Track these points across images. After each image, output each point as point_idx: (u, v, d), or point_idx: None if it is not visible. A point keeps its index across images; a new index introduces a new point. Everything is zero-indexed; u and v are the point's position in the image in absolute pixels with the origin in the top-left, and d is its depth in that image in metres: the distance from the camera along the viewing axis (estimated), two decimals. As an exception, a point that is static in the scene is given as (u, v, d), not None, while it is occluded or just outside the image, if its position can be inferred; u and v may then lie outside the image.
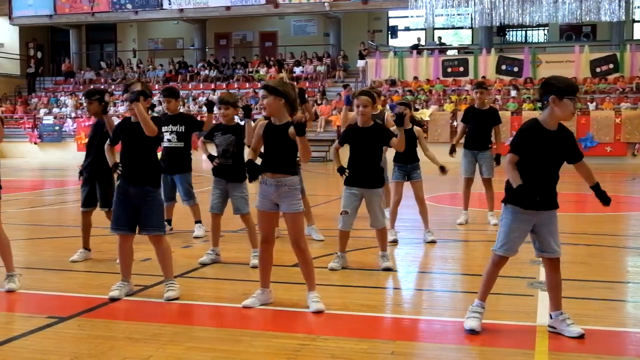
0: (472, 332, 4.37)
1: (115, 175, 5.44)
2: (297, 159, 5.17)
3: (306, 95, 8.05)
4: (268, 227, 5.10)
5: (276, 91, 4.89)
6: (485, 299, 4.52)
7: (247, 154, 5.21)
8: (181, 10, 31.02)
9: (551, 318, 4.45)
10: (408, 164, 7.65)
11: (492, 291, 4.82)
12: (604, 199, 4.44)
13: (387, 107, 19.43)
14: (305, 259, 5.03)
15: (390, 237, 7.54)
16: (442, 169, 7.56)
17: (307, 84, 28.68)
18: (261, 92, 4.98)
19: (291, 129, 4.85)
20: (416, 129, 7.67)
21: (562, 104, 4.27)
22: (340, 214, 6.30)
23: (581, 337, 4.28)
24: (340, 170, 6.21)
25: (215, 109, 7.37)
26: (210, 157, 6.68)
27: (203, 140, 7.00)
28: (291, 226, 5.00)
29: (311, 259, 5.09)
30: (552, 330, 4.42)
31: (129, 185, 5.30)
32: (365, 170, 6.18)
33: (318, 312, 4.83)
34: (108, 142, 5.58)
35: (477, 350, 4.18)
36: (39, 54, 35.55)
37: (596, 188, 4.48)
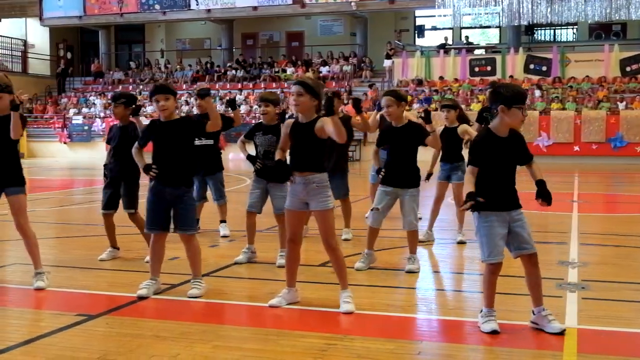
0: (494, 332, 4.35)
1: (149, 177, 5.42)
2: (346, 161, 5.18)
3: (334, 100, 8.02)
4: (296, 226, 5.09)
5: (313, 92, 4.86)
6: (493, 305, 4.50)
7: (277, 154, 5.21)
8: (208, 10, 31.19)
9: (534, 314, 4.47)
10: (450, 163, 7.62)
11: (520, 292, 4.79)
12: (546, 197, 4.49)
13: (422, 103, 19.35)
14: (337, 257, 5.01)
15: (420, 237, 7.55)
16: None
17: (334, 84, 28.68)
18: (295, 88, 4.90)
19: (319, 123, 4.84)
20: (461, 128, 7.59)
21: (511, 113, 4.38)
22: (371, 210, 6.28)
23: (562, 333, 4.30)
24: (379, 171, 6.29)
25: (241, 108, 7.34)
26: (251, 158, 6.59)
27: (242, 140, 6.92)
28: (321, 223, 4.98)
29: (343, 258, 5.08)
30: (534, 326, 4.44)
31: (164, 186, 5.30)
32: (401, 169, 6.15)
33: (347, 313, 4.82)
34: (136, 144, 5.51)
35: (505, 351, 4.14)
36: (69, 55, 36.01)
37: (540, 184, 4.52)
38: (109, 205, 6.77)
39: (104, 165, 6.89)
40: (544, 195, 4.48)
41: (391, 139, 6.23)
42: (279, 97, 7.39)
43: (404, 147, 6.17)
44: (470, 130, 7.54)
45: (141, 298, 5.25)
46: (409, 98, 26.06)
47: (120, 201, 6.74)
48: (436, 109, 20.24)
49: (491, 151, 4.40)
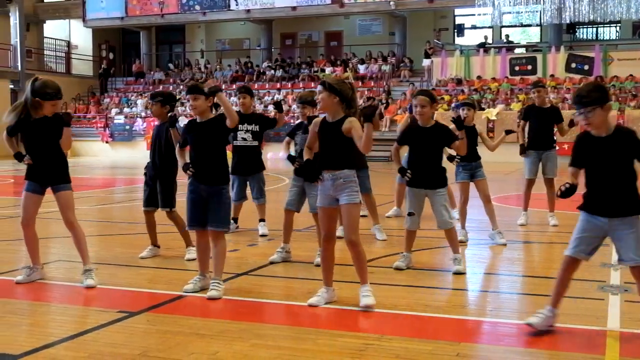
0: (529, 325, 4.36)
1: (187, 175, 5.52)
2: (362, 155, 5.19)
3: (377, 112, 8.04)
4: (329, 224, 5.11)
5: (331, 88, 4.93)
6: (555, 304, 4.45)
7: (305, 153, 5.26)
8: (248, 11, 31.37)
9: None
10: (472, 162, 7.58)
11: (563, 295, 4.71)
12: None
13: (453, 106, 19.19)
14: (357, 252, 5.04)
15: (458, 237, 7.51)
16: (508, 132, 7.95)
17: (372, 84, 28.62)
18: (318, 88, 5.05)
19: (346, 123, 4.86)
20: (477, 126, 7.61)
21: (607, 107, 4.30)
22: (407, 214, 6.28)
23: None
24: (401, 171, 6.17)
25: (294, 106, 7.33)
26: (291, 158, 6.62)
27: (288, 140, 6.98)
28: (346, 216, 5.00)
29: (364, 253, 5.10)
30: None
31: (201, 184, 5.40)
32: (427, 170, 6.13)
33: (367, 307, 4.84)
34: (178, 145, 5.70)
35: (545, 354, 4.10)
36: (111, 55, 36.56)
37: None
38: (149, 202, 6.88)
39: (145, 167, 7.00)
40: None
41: (416, 139, 6.20)
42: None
43: (429, 148, 6.14)
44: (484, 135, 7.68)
45: (186, 293, 5.32)
46: (448, 98, 25.90)
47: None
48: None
49: (589, 152, 4.33)
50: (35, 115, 5.62)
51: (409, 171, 6.10)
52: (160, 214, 6.91)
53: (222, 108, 5.37)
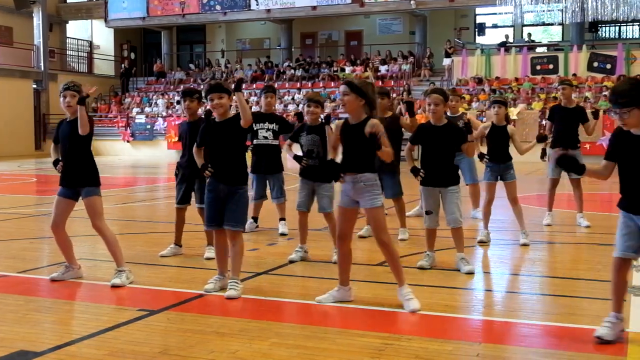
0: (599, 338, 4.20)
1: (205, 175, 5.53)
2: (397, 159, 5.16)
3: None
4: (344, 224, 5.11)
5: (358, 90, 4.90)
6: (618, 309, 4.29)
7: (329, 153, 5.26)
8: (268, 10, 31.42)
9: None
10: (500, 164, 7.51)
11: (584, 295, 4.69)
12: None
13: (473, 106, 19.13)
14: (390, 253, 5.02)
15: (479, 237, 7.47)
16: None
17: (392, 83, 28.55)
18: (342, 88, 4.98)
19: (367, 127, 4.84)
20: (510, 127, 7.54)
21: None
22: (425, 213, 6.28)
23: None
24: (414, 170, 6.15)
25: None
26: (297, 158, 6.66)
27: (289, 143, 6.98)
28: (372, 221, 5.03)
29: (396, 253, 5.08)
30: None
31: (219, 183, 5.41)
32: (439, 169, 6.11)
33: (414, 312, 4.80)
34: (195, 144, 5.65)
35: (565, 355, 4.07)
36: (132, 55, 36.80)
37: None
38: (183, 199, 6.90)
39: (177, 164, 7.00)
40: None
41: (428, 138, 6.18)
42: (324, 99, 7.47)
43: (441, 147, 6.11)
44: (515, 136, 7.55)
45: (207, 293, 5.34)
46: (468, 97, 25.77)
47: (193, 196, 6.86)
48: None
49: (625, 149, 4.22)
50: (72, 116, 5.68)
51: (422, 170, 6.09)
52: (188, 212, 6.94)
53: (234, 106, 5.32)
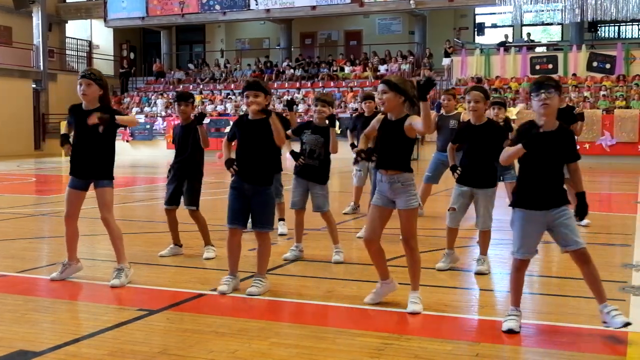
0: (510, 332, 4.36)
1: (230, 172, 5.49)
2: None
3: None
4: (375, 224, 5.02)
5: (397, 88, 4.83)
6: (517, 303, 4.50)
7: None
8: (267, 10, 31.42)
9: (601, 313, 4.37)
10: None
11: (583, 295, 4.68)
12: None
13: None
14: (414, 257, 4.98)
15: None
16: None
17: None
18: (380, 87, 4.90)
19: (407, 122, 4.80)
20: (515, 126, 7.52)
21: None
22: (448, 210, 6.22)
23: (625, 325, 4.19)
24: (453, 168, 6.11)
25: (299, 107, 7.31)
26: (294, 155, 6.64)
27: (289, 135, 6.90)
28: (404, 222, 4.94)
29: (419, 259, 5.04)
30: (605, 326, 4.33)
31: (244, 182, 5.35)
32: (477, 169, 6.02)
33: (413, 314, 4.80)
34: (226, 137, 5.59)
35: (565, 355, 4.07)
36: (132, 55, 36.79)
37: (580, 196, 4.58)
38: (171, 200, 6.88)
39: (170, 165, 7.00)
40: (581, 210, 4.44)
41: (470, 138, 6.07)
42: (334, 99, 7.43)
43: (483, 146, 5.98)
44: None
45: (222, 294, 5.29)
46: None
47: (182, 198, 6.86)
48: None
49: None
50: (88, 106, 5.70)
51: (459, 168, 6.05)
52: (179, 212, 6.94)
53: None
